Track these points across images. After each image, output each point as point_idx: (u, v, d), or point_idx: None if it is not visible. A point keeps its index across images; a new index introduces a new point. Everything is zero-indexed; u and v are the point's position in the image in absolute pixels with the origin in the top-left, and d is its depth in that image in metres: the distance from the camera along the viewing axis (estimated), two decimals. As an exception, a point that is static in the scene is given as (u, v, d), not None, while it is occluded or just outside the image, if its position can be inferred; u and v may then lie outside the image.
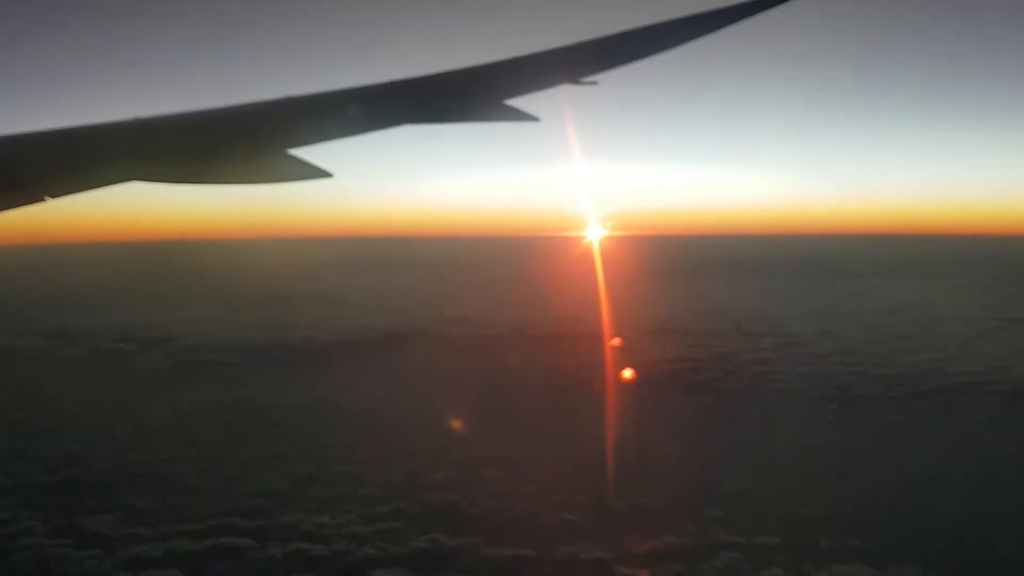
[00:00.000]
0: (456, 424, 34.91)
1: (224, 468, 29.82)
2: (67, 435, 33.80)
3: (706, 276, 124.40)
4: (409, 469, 29.23)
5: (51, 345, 56.43)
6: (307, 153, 4.92)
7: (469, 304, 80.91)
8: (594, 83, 5.83)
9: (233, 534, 23.96)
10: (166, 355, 53.31)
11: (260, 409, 38.43)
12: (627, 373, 46.32)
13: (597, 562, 21.62)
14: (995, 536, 22.93)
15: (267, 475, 29.00)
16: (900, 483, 27.56)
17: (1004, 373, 44.91)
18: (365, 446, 31.98)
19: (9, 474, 29.35)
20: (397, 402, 39.44)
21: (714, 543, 22.62)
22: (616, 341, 56.30)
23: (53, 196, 4.48)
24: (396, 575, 21.09)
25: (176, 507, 26.08)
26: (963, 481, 27.85)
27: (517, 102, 5.52)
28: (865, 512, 24.63)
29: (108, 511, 25.78)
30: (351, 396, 40.81)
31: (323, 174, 4.89)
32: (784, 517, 24.28)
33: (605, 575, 20.97)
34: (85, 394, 41.04)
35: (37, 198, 4.46)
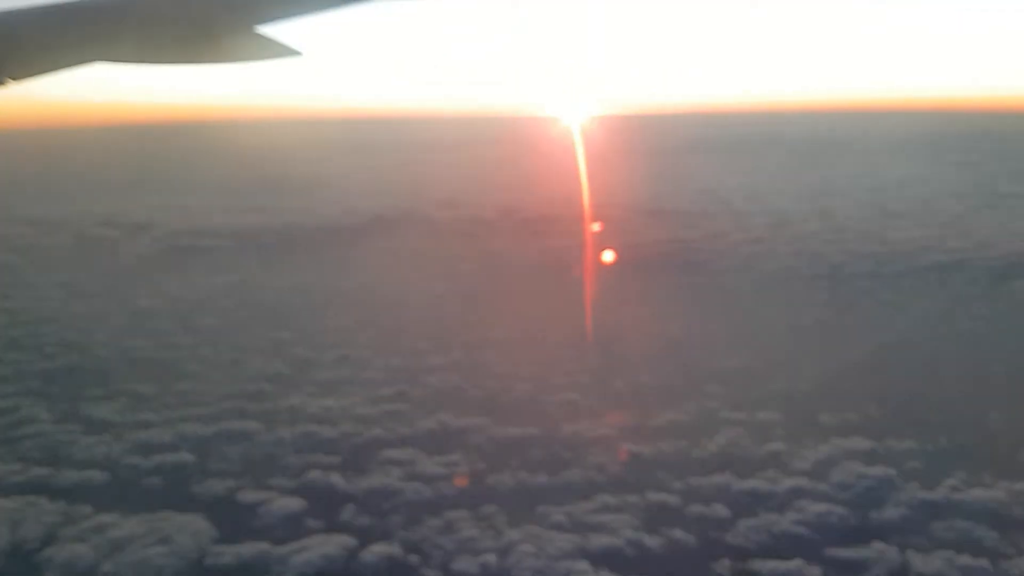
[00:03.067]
0: (452, 307, 34.95)
1: (223, 353, 29.87)
2: (61, 322, 33.56)
3: (695, 156, 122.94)
4: (409, 352, 29.37)
5: (34, 232, 55.33)
6: (276, 31, 4.80)
7: (454, 187, 79.62)
8: None
9: (240, 418, 24.19)
10: (152, 241, 52.62)
11: (253, 293, 38.24)
12: (619, 254, 46.26)
13: (602, 439, 22.06)
14: (987, 405, 23.59)
15: (267, 360, 29.09)
16: (893, 357, 28.11)
17: (992, 249, 45.22)
18: (362, 329, 32.04)
19: (7, 362, 29.25)
20: (390, 286, 39.33)
21: (716, 419, 23.11)
22: (604, 223, 55.99)
23: (15, 79, 4.29)
24: (408, 455, 21.43)
25: (180, 392, 26.21)
26: (954, 354, 28.48)
27: None
28: (861, 386, 25.15)
29: (111, 398, 25.88)
30: (344, 280, 40.62)
31: (291, 52, 4.78)
32: (782, 393, 24.77)
33: (612, 452, 21.39)
34: (75, 281, 40.58)
35: None
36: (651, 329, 31.50)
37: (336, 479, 20.43)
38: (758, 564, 16.63)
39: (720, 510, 18.61)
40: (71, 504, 19.19)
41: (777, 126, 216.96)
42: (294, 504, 19.27)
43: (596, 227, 55.18)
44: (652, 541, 17.49)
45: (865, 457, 20.77)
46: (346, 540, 17.67)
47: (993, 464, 20.11)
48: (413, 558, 17.06)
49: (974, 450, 21.12)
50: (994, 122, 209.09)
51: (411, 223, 59.04)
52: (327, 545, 17.53)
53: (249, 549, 17.44)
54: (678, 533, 17.70)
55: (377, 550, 17.24)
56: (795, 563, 16.55)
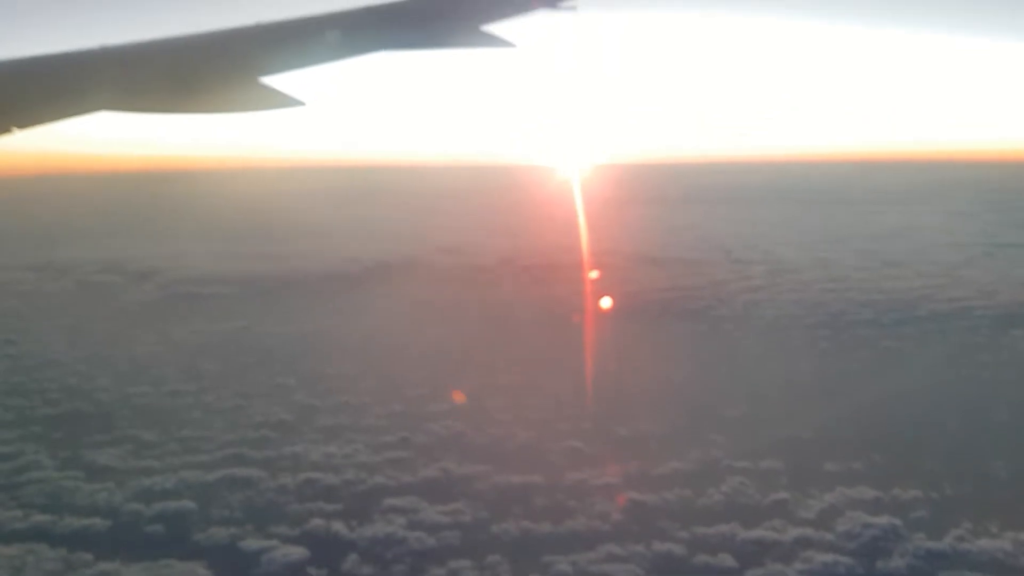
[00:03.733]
0: (454, 353, 35.04)
1: (225, 399, 29.85)
2: (65, 368, 33.61)
3: (694, 206, 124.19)
4: (411, 399, 29.37)
5: (37, 278, 55.67)
6: (279, 81, 4.89)
7: (456, 234, 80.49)
8: (573, 8, 5.70)
9: (243, 465, 24.12)
10: (155, 287, 52.86)
11: (256, 340, 38.37)
12: (620, 302, 46.52)
13: (607, 487, 21.98)
14: (993, 454, 23.54)
15: (269, 406, 29.09)
16: (897, 406, 28.12)
17: (992, 298, 45.46)
18: (365, 376, 32.07)
19: (10, 408, 29.22)
20: (393, 332, 39.50)
21: (720, 468, 23.06)
22: (604, 271, 56.41)
23: (20, 127, 4.38)
24: (411, 503, 21.34)
25: (182, 439, 26.16)
26: (958, 403, 28.47)
27: (495, 29, 5.42)
28: (865, 435, 25.15)
29: (114, 444, 25.84)
30: (346, 326, 40.78)
31: (295, 102, 4.84)
32: (786, 442, 24.75)
33: (615, 501, 21.31)
34: (78, 327, 40.69)
35: (4, 129, 4.35)
36: (653, 376, 31.57)
37: (339, 527, 20.34)
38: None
39: (726, 560, 18.51)
40: (72, 552, 19.10)
41: (774, 177, 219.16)
42: (296, 552, 19.16)
43: (596, 275, 55.52)
44: (658, 591, 17.37)
45: (870, 506, 20.70)
46: (349, 589, 17.53)
47: (999, 514, 20.03)
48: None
49: (980, 500, 21.06)
50: (988, 172, 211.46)
51: (413, 270, 59.53)
52: (330, 594, 17.39)
53: (252, 598, 17.29)
54: (684, 583, 17.58)
55: (381, 599, 17.10)
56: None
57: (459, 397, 29.30)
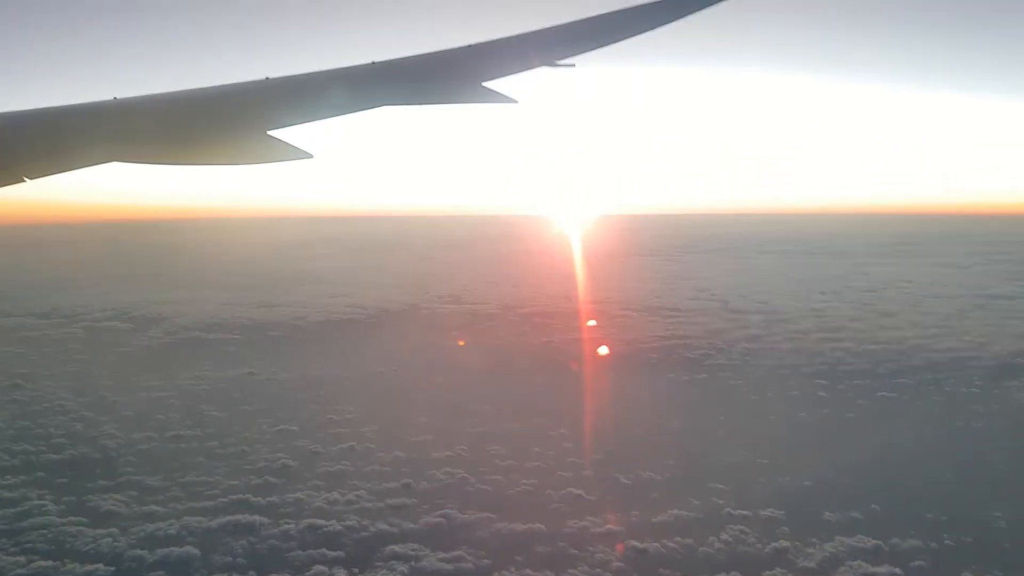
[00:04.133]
0: (456, 400, 35.34)
1: (229, 445, 30.08)
2: (70, 414, 33.88)
3: (689, 256, 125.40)
4: (414, 445, 29.66)
5: (45, 324, 56.10)
6: (287, 134, 4.99)
7: (457, 282, 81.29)
8: (572, 65, 6.01)
9: (246, 511, 24.29)
10: (162, 334, 53.24)
11: (260, 386, 38.70)
12: (618, 350, 47.04)
13: (608, 535, 22.20)
14: (989, 505, 23.77)
15: (273, 452, 29.32)
16: (894, 455, 28.42)
17: (986, 349, 45.98)
18: (368, 422, 32.35)
19: (15, 453, 29.39)
20: (395, 378, 39.88)
21: (720, 516, 23.30)
22: (603, 319, 57.04)
23: (32, 177, 4.45)
24: (413, 550, 21.54)
25: (186, 485, 26.35)
26: (955, 453, 28.75)
27: (496, 84, 5.65)
28: (863, 484, 25.42)
29: (119, 489, 26.01)
30: (350, 372, 41.15)
31: (303, 154, 4.92)
32: (786, 490, 25.03)
33: (616, 548, 21.53)
34: (84, 373, 41.05)
35: (16, 179, 4.43)
36: (653, 424, 31.88)
37: (341, 574, 20.50)
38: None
39: (726, 607, 18.67)
40: (77, 597, 19.20)
41: (767, 228, 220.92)
42: (301, 598, 19.30)
43: (595, 323, 56.09)
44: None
45: (870, 555, 20.93)
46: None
47: (999, 563, 20.26)
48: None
49: (979, 549, 21.27)
50: (976, 225, 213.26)
51: (415, 317, 60.12)
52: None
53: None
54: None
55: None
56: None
57: (461, 443, 29.60)
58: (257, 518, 23.86)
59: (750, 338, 49.78)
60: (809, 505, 23.93)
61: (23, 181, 4.42)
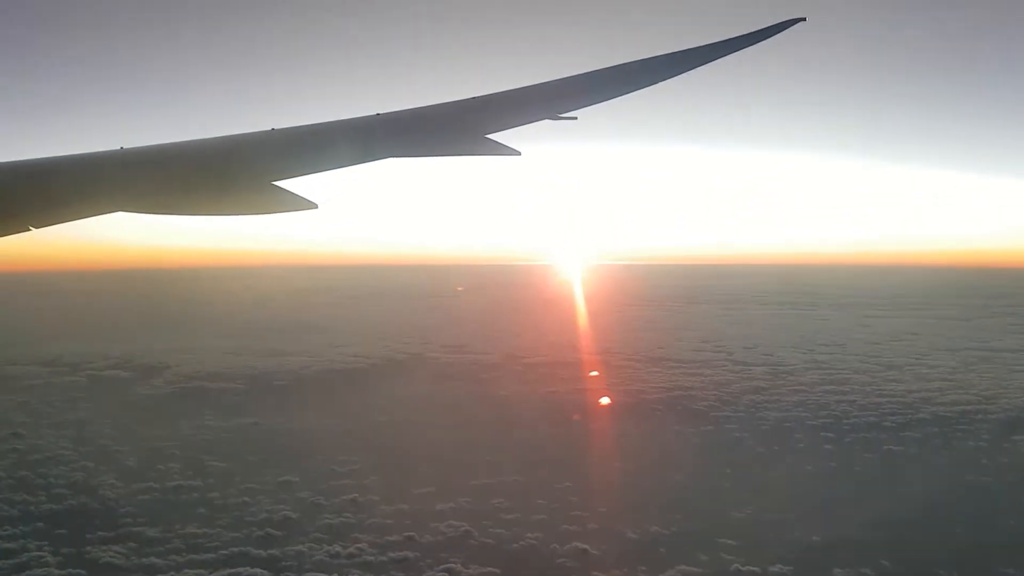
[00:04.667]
0: (459, 451, 35.09)
1: (232, 496, 29.82)
2: (71, 463, 33.67)
3: (692, 306, 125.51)
4: (417, 497, 29.37)
5: (49, 372, 56.07)
6: (292, 184, 4.94)
7: (460, 332, 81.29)
8: (574, 118, 6.11)
9: (246, 564, 24.04)
10: (165, 383, 53.14)
11: (263, 436, 38.49)
12: (623, 401, 46.83)
13: (614, 590, 21.89)
14: (1002, 562, 23.46)
15: (275, 504, 29.04)
16: (903, 509, 28.08)
17: (993, 402, 45.71)
18: (371, 473, 32.09)
19: (15, 503, 29.17)
20: (399, 429, 39.64)
21: (729, 572, 22.99)
22: (607, 369, 56.94)
23: (37, 226, 4.43)
24: (417, 604, 21.22)
25: (187, 536, 26.08)
26: (965, 508, 28.41)
27: (499, 136, 5.68)
28: (874, 539, 25.10)
29: (118, 541, 25.74)
30: (353, 423, 40.93)
31: (308, 205, 4.86)
32: (794, 545, 24.72)
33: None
34: (87, 421, 40.87)
35: (21, 228, 4.40)
36: (660, 477, 31.59)
37: (344, 629, 20.19)
38: None
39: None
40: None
41: (764, 279, 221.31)
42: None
43: (599, 373, 55.93)
44: None
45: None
46: None
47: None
48: None
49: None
50: (978, 278, 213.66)
51: (420, 366, 60.02)
52: None
53: None
54: None
55: None
56: None
57: (465, 495, 29.32)
58: (258, 571, 23.58)
59: (755, 390, 49.56)
60: (819, 561, 23.62)
61: (28, 230, 4.40)
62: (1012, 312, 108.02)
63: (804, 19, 7.01)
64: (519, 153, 5.60)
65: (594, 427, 42.53)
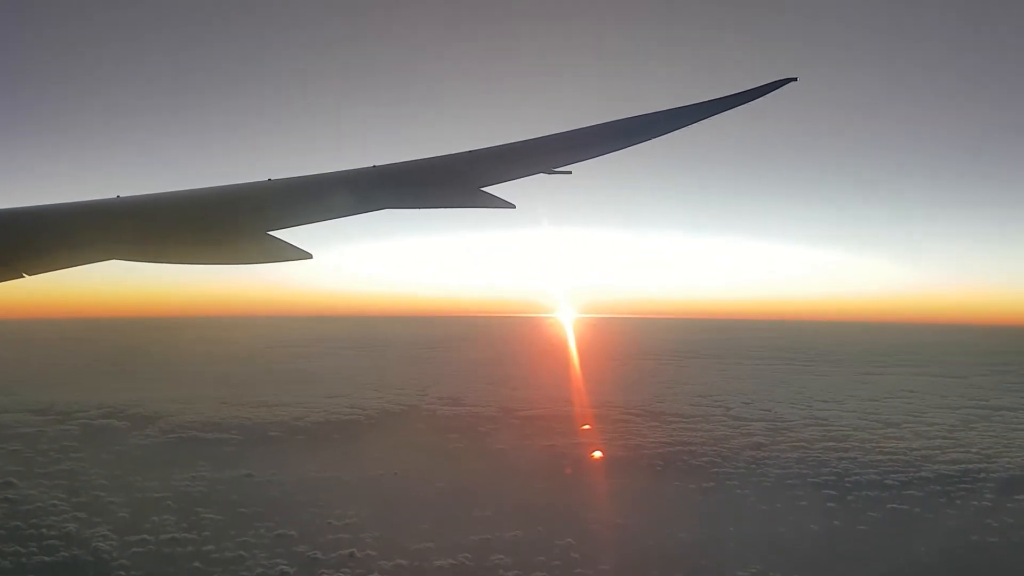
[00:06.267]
0: (457, 506, 34.65)
1: (227, 550, 29.29)
2: (64, 514, 33.07)
3: (685, 360, 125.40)
4: (415, 552, 28.89)
5: (41, 421, 55.38)
6: (286, 234, 4.96)
7: (456, 384, 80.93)
8: (568, 172, 6.21)
9: (243, 619, 23.52)
10: (159, 432, 52.52)
11: (258, 488, 37.94)
12: (621, 455, 46.45)
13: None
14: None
15: (271, 558, 28.53)
16: (910, 569, 27.78)
17: (995, 461, 45.55)
18: (368, 527, 31.59)
19: (6, 554, 28.58)
20: (395, 481, 39.18)
21: (735, 631, 22.56)
22: (604, 424, 56.63)
23: (31, 273, 4.42)
24: (419, 663, 20.74)
25: (181, 591, 25.58)
26: (970, 567, 28.10)
27: (493, 189, 5.75)
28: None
29: (111, 595, 25.22)
30: (350, 475, 40.42)
31: (303, 255, 4.87)
32: (800, 605, 24.31)
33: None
34: (80, 471, 40.25)
35: (15, 275, 4.40)
36: (662, 533, 31.17)
37: None
38: None
39: None
40: None
41: (761, 332, 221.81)
42: None
43: (597, 427, 55.56)
44: None
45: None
46: None
47: None
48: None
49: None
50: (968, 336, 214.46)
51: (415, 419, 59.59)
52: None
53: None
54: None
55: None
56: None
57: (464, 551, 28.86)
58: (254, 627, 23.07)
59: (754, 446, 49.26)
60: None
61: (22, 276, 4.39)
62: (1009, 370, 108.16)
63: (796, 79, 7.13)
64: (514, 206, 5.65)
65: (593, 482, 42.10)
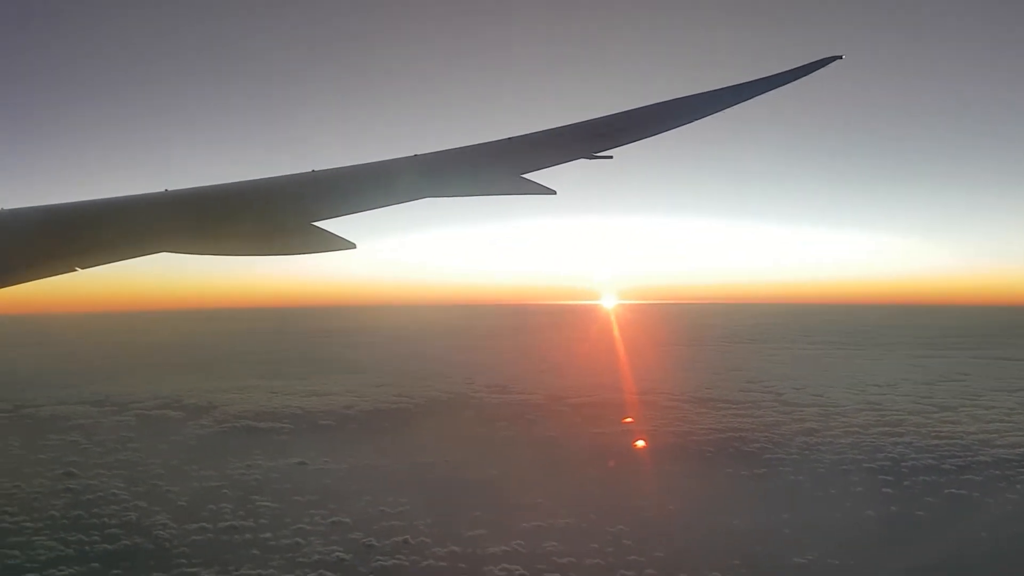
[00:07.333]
0: (508, 493, 34.72)
1: (284, 537, 29.75)
2: (124, 503, 33.90)
3: (733, 346, 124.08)
4: (468, 539, 29.04)
5: (98, 412, 56.87)
6: (330, 225, 5.04)
7: (502, 372, 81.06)
8: (609, 157, 6.10)
9: (302, 605, 23.87)
10: (213, 422, 53.57)
11: (312, 476, 38.48)
12: (673, 441, 46.14)
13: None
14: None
15: (327, 545, 28.91)
16: (972, 556, 27.13)
17: (1056, 444, 44.24)
18: (421, 515, 31.82)
19: (69, 543, 29.36)
20: (447, 469, 39.41)
21: (794, 619, 22.27)
22: (653, 410, 56.29)
23: (83, 267, 4.54)
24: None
25: (241, 578, 26.03)
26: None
27: (534, 176, 5.70)
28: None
29: (173, 582, 25.78)
30: (400, 463, 40.78)
31: (347, 245, 4.97)
32: (861, 592, 23.90)
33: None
34: (138, 461, 41.22)
35: (67, 268, 4.50)
36: (715, 521, 30.88)
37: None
38: None
39: None
40: None
41: (806, 317, 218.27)
42: None
43: (646, 414, 55.23)
44: None
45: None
46: None
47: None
48: None
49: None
50: (1017, 316, 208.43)
51: (464, 407, 59.86)
52: None
53: None
54: None
55: None
56: None
57: (517, 537, 28.91)
58: (314, 613, 23.41)
59: (807, 432, 48.51)
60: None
61: (75, 270, 4.50)
62: None
63: (841, 57, 6.99)
64: (554, 192, 5.60)
65: (643, 469, 41.84)
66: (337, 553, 28.12)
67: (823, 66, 6.98)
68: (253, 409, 57.42)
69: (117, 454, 43.06)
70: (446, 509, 32.44)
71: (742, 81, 7.27)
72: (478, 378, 75.94)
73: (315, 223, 5.00)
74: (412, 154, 6.39)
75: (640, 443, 47.06)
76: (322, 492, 35.27)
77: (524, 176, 5.69)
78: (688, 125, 6.77)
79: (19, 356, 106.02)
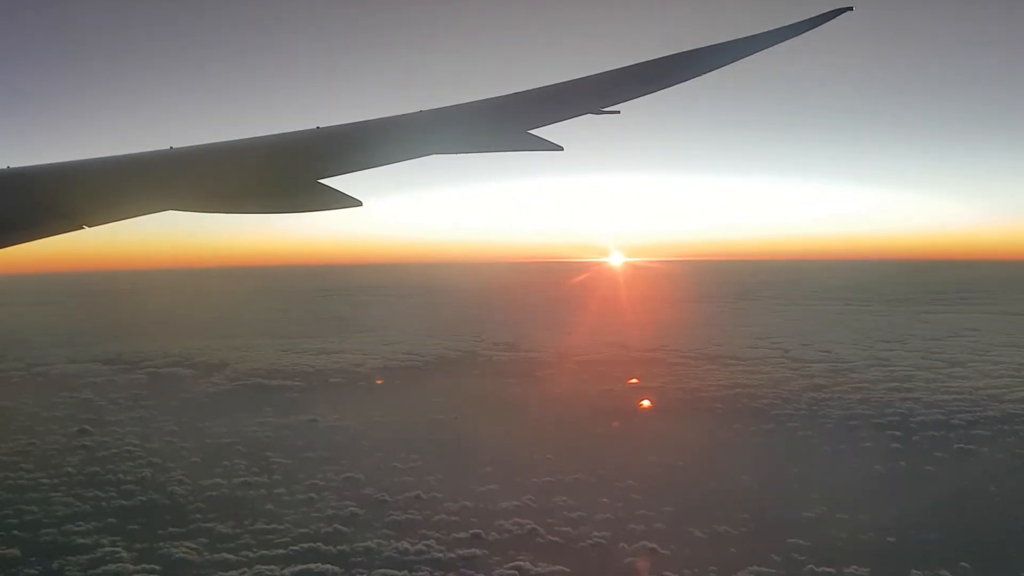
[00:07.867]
0: (519, 449, 35.00)
1: (298, 492, 30.13)
2: (138, 460, 34.31)
3: (741, 303, 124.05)
4: (480, 494, 29.34)
5: (110, 370, 57.38)
6: (337, 182, 5.00)
7: (510, 329, 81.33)
8: (616, 112, 6.04)
9: (318, 559, 24.20)
10: (225, 379, 54.01)
11: (324, 433, 38.86)
12: (682, 398, 46.36)
13: (688, 590, 21.57)
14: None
15: (341, 500, 29.26)
16: (981, 510, 27.29)
17: (1066, 400, 44.26)
18: (433, 471, 32.15)
19: (86, 499, 29.79)
20: (457, 425, 39.75)
21: (804, 573, 22.51)
22: (662, 367, 56.48)
23: (91, 224, 4.54)
24: (491, 602, 21.16)
25: (257, 532, 26.37)
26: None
27: (541, 131, 5.65)
28: (951, 540, 24.41)
29: (190, 537, 26.14)
30: (412, 419, 41.12)
31: (354, 202, 4.92)
32: (869, 545, 24.13)
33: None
34: (151, 418, 41.68)
35: (76, 226, 4.52)
36: (724, 476, 31.12)
37: (417, 626, 20.20)
38: None
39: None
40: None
41: (815, 273, 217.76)
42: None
43: (654, 371, 55.44)
44: None
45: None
46: None
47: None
48: None
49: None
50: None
51: (473, 364, 60.22)
52: None
53: None
54: None
55: None
56: None
57: (529, 492, 29.20)
58: (329, 567, 23.71)
59: (816, 387, 48.65)
60: (895, 562, 23.00)
61: (82, 228, 4.50)
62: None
63: (851, 8, 6.79)
64: (561, 148, 5.56)
65: (652, 425, 42.08)
66: (351, 508, 28.45)
67: (832, 18, 6.82)
68: (263, 367, 57.85)
69: (130, 411, 43.50)
70: (457, 465, 32.75)
71: (750, 34, 7.13)
72: (486, 336, 76.25)
73: (321, 180, 4.99)
74: (417, 110, 6.33)
75: (648, 400, 47.28)
76: (334, 448, 35.64)
77: (531, 132, 5.64)
78: (696, 79, 6.66)
79: (28, 315, 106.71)
